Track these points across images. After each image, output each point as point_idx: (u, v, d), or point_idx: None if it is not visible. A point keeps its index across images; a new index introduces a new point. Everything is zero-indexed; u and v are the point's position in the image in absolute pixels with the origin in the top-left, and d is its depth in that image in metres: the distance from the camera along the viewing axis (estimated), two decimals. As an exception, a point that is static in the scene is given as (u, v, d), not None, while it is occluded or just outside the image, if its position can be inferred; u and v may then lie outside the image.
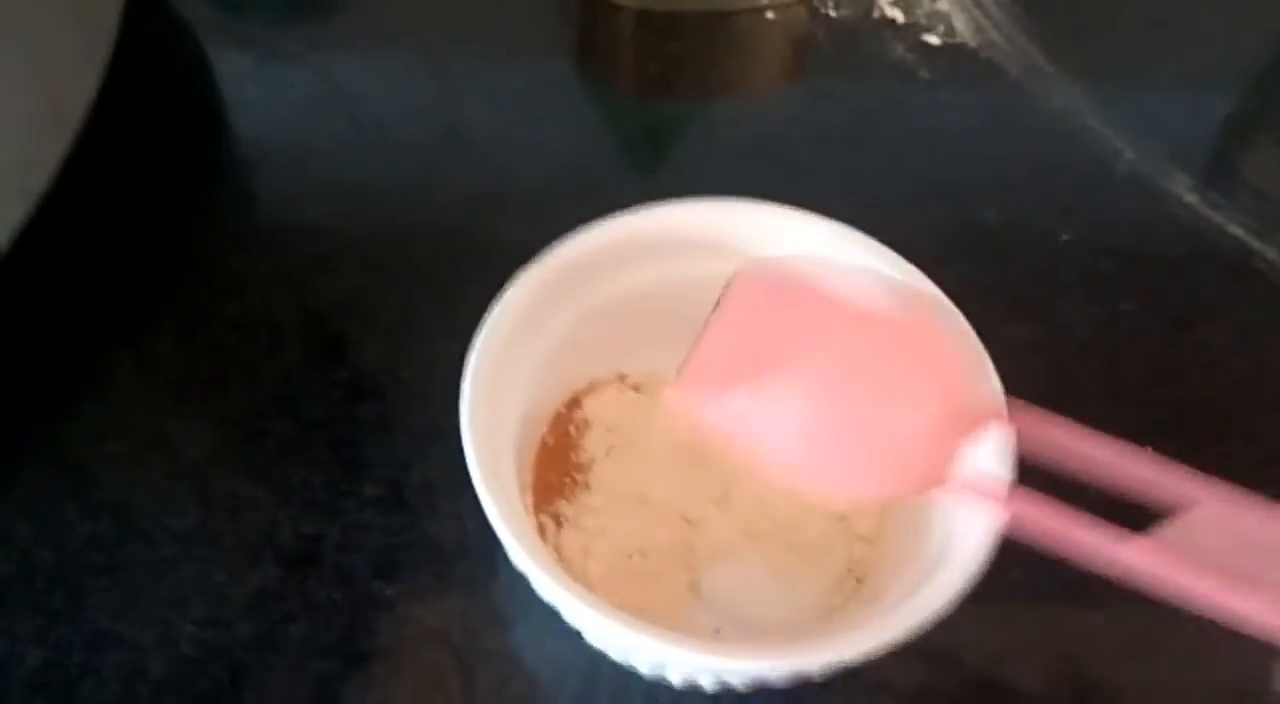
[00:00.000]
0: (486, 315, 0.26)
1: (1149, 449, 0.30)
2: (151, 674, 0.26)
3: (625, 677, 0.26)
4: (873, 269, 0.27)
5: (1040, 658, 0.28)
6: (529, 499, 0.28)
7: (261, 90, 0.38)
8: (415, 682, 0.27)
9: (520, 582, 0.24)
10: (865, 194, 0.36)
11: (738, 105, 0.39)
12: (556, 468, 0.28)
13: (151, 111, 0.37)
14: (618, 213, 0.27)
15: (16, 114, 0.28)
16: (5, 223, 0.28)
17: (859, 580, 0.27)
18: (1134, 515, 0.22)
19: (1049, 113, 0.38)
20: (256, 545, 0.28)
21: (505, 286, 0.26)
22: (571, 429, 0.29)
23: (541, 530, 0.27)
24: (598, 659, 0.25)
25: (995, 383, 0.25)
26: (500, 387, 0.26)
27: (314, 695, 0.26)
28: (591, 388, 0.30)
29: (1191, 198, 0.36)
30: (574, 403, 0.29)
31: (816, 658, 0.22)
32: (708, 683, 0.25)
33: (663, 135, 0.39)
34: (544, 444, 0.29)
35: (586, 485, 0.28)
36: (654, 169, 0.38)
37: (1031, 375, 0.31)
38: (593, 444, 0.29)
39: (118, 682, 0.26)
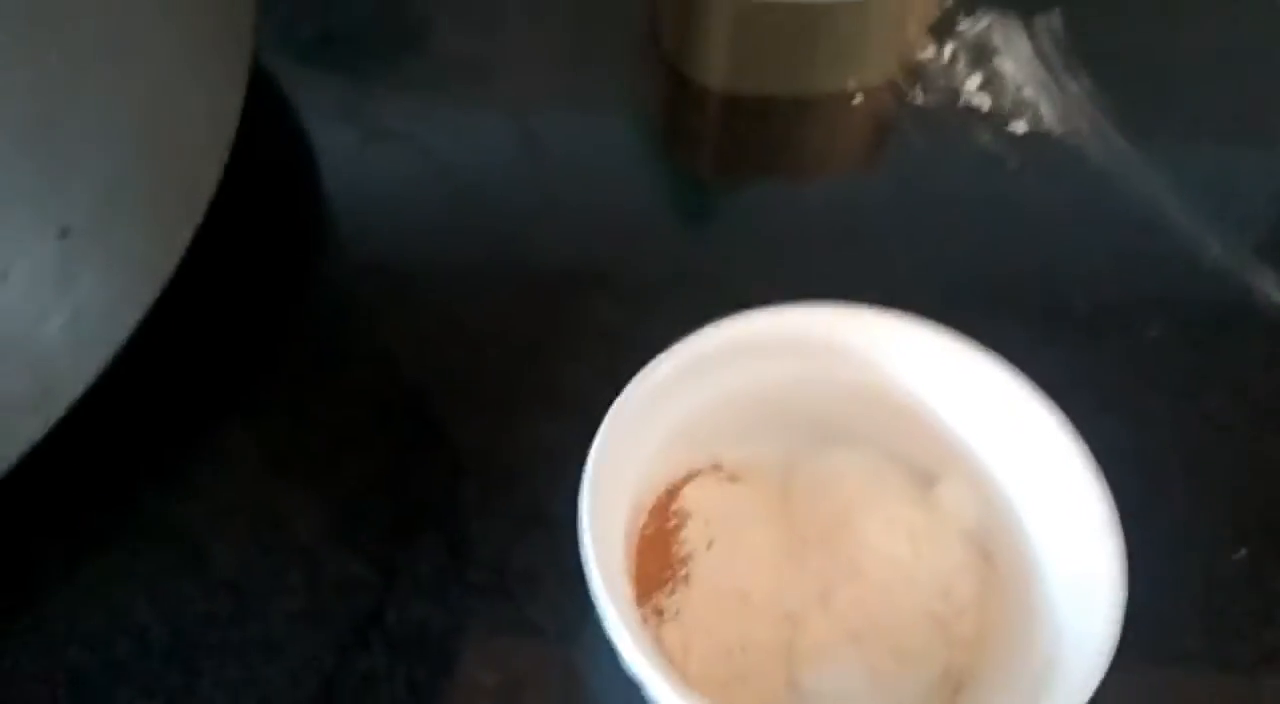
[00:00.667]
0: (614, 406, 0.26)
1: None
2: (266, 754, 0.27)
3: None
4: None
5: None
6: (631, 591, 0.28)
7: (363, 166, 0.39)
8: (520, 770, 0.27)
9: (619, 674, 0.24)
10: (951, 284, 0.36)
11: (823, 192, 0.40)
12: (658, 559, 0.29)
13: (259, 192, 0.38)
14: (737, 313, 0.28)
15: (152, 200, 0.29)
16: (140, 301, 0.29)
17: (959, 684, 0.27)
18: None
19: (1135, 202, 0.39)
20: (364, 628, 0.29)
21: (630, 380, 0.27)
22: (672, 520, 0.30)
23: (643, 622, 0.28)
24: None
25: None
26: (615, 476, 0.27)
27: (422, 782, 0.27)
28: (689, 477, 0.30)
29: (1278, 294, 0.37)
30: (673, 492, 0.30)
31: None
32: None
33: (741, 217, 0.40)
34: (644, 536, 0.29)
35: (687, 579, 0.29)
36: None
37: (1119, 471, 0.31)
38: (693, 536, 0.29)
39: (233, 761, 0.27)
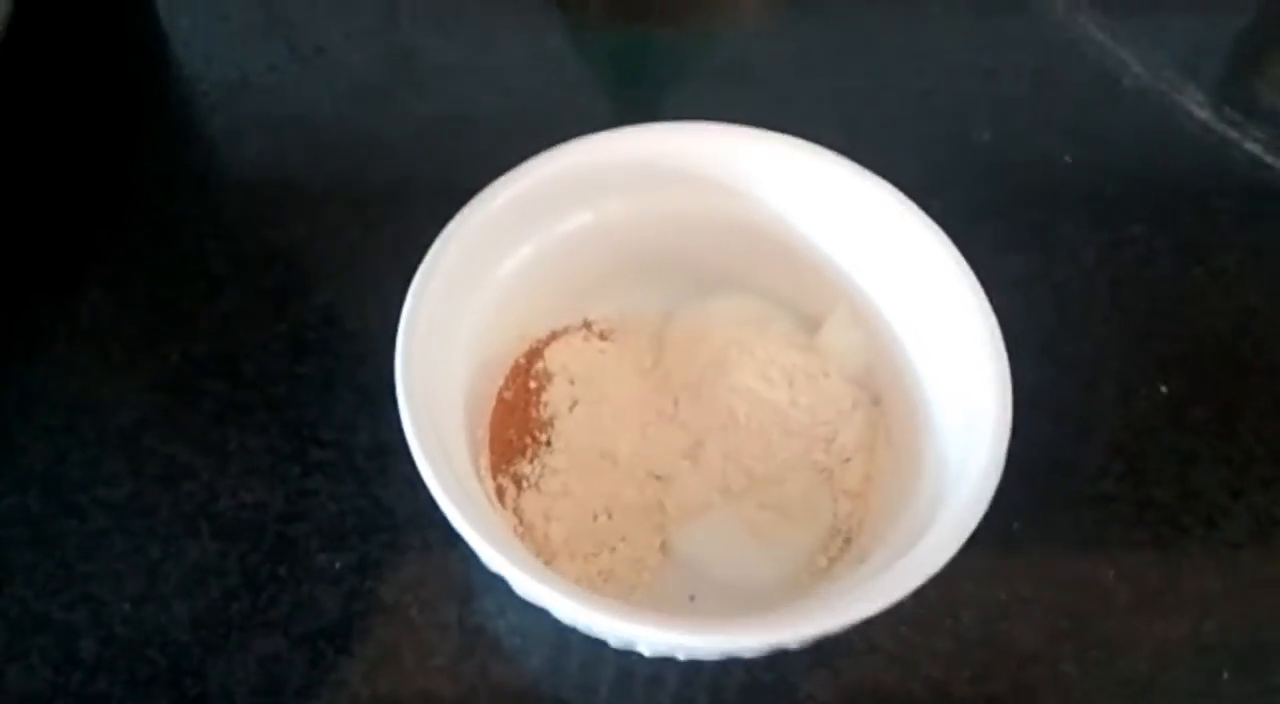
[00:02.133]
0: (425, 258, 0.23)
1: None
2: (84, 658, 0.25)
3: (596, 649, 0.24)
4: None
5: (1041, 615, 0.26)
6: (485, 460, 0.26)
7: (195, 18, 0.35)
8: (368, 660, 0.25)
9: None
10: (851, 116, 0.33)
11: (714, 27, 0.36)
12: (516, 425, 0.26)
13: (76, 38, 0.34)
14: (575, 138, 0.25)
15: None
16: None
17: (847, 540, 0.25)
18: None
19: (1049, 23, 0.35)
20: (193, 517, 0.26)
21: (452, 218, 0.24)
22: (532, 382, 0.27)
23: (500, 494, 0.25)
24: (565, 631, 0.23)
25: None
26: (444, 336, 0.24)
27: (259, 678, 0.24)
28: (553, 337, 0.27)
29: (1203, 114, 0.34)
30: (534, 353, 0.27)
31: (794, 632, 0.20)
32: (681, 655, 0.23)
33: (635, 60, 0.36)
34: (501, 399, 0.26)
35: (548, 444, 0.26)
36: (625, 96, 0.35)
37: (1032, 307, 0.29)
38: (555, 398, 0.26)
39: (47, 666, 0.24)
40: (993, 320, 0.23)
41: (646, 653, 0.23)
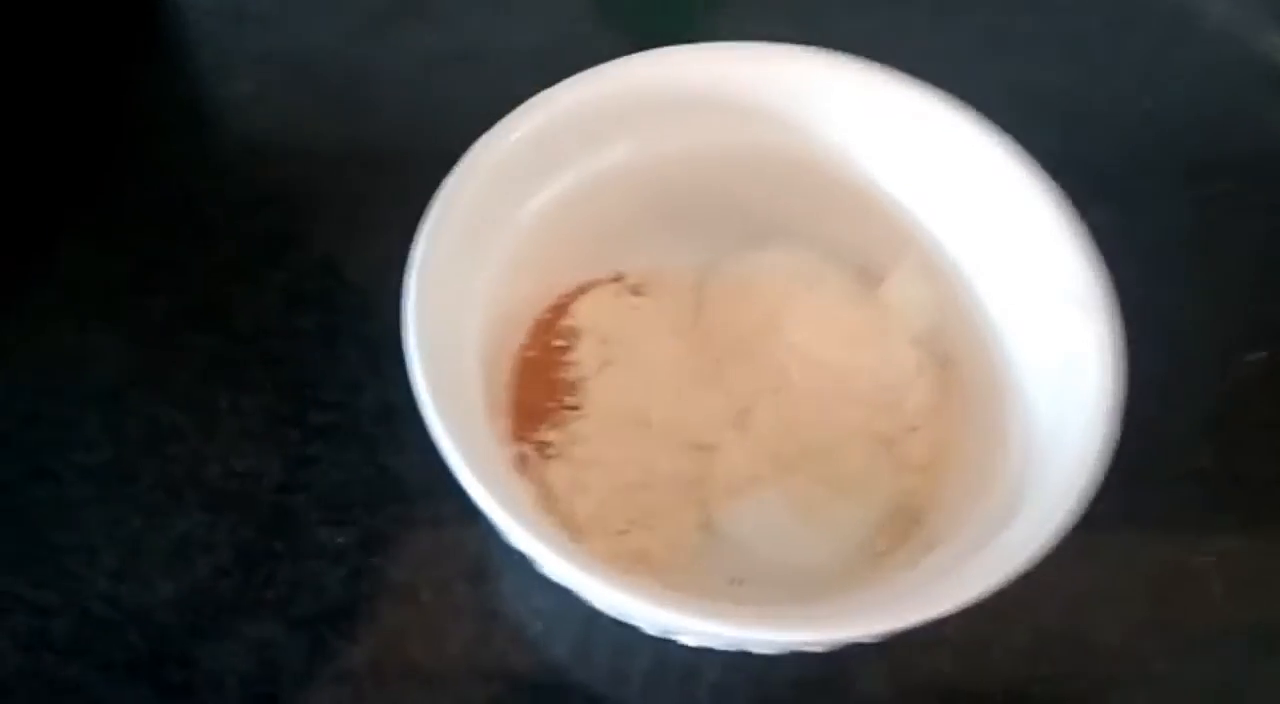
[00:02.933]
0: (435, 197, 0.20)
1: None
2: (56, 640, 0.22)
3: (628, 635, 0.21)
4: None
5: (1128, 607, 0.23)
6: (506, 425, 0.23)
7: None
8: (374, 647, 0.22)
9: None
10: (913, 48, 0.30)
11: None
12: (541, 388, 0.23)
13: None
14: (608, 62, 0.22)
15: None
16: None
17: (914, 520, 0.22)
18: None
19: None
20: (180, 485, 0.24)
21: (468, 149, 0.21)
22: (558, 340, 0.24)
23: (522, 462, 0.23)
24: (594, 616, 0.21)
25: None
26: (459, 286, 0.21)
27: (252, 665, 0.22)
28: (581, 291, 0.25)
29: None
30: (560, 309, 0.24)
31: (854, 630, 0.17)
32: (725, 645, 0.20)
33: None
34: (524, 359, 0.24)
35: (577, 408, 0.23)
36: (651, 22, 0.32)
37: (1114, 266, 0.26)
38: (584, 358, 0.24)
39: (17, 650, 0.22)
40: (1100, 273, 0.20)
41: (690, 642, 0.20)
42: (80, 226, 0.27)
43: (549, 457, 0.23)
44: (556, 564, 0.18)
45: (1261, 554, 0.24)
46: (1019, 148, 0.21)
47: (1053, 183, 0.21)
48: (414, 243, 0.20)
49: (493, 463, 0.19)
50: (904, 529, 0.22)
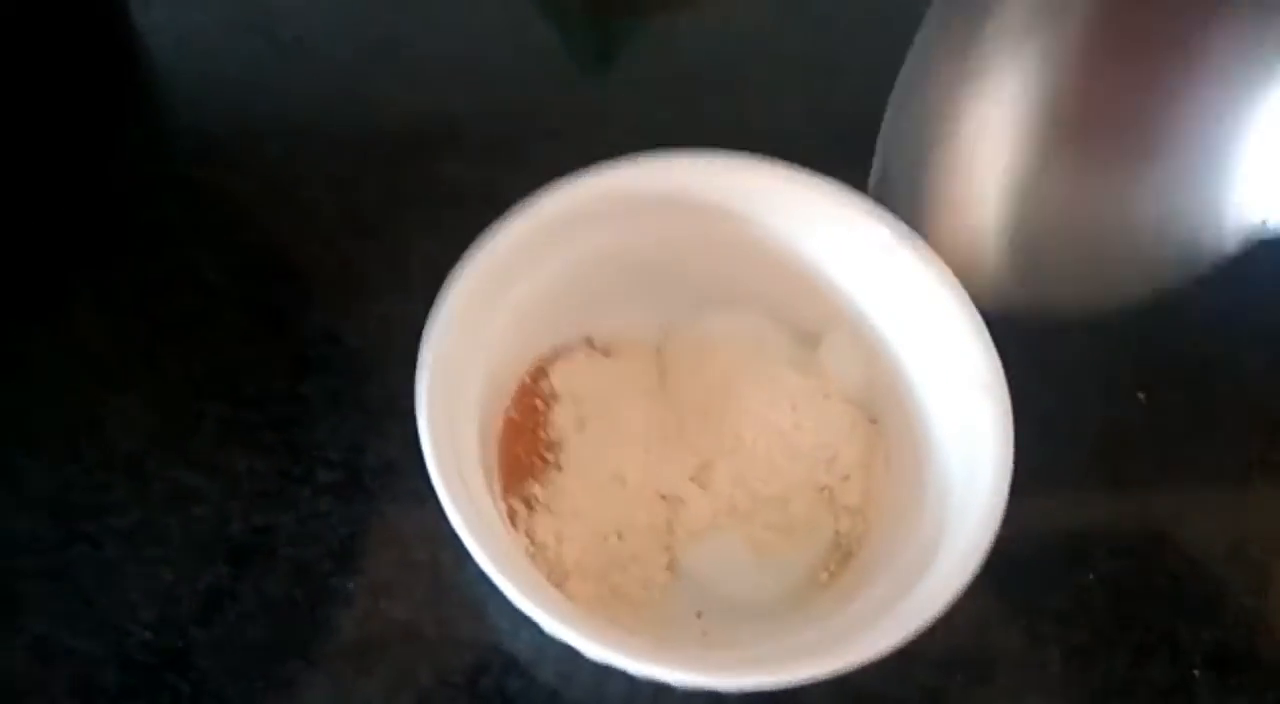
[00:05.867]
0: (448, 282, 0.23)
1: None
2: (105, 686, 0.25)
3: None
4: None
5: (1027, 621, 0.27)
6: (496, 483, 0.26)
7: (171, 11, 0.34)
8: (388, 680, 0.25)
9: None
10: (837, 124, 0.33)
11: (698, 18, 0.36)
12: (524, 445, 0.27)
13: (48, 38, 0.33)
14: (590, 168, 0.25)
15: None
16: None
17: (847, 553, 0.26)
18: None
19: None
20: (205, 542, 0.26)
21: (469, 249, 0.24)
22: (539, 402, 0.27)
23: (512, 515, 0.26)
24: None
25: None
26: (461, 361, 0.24)
27: (280, 701, 0.25)
28: (557, 355, 0.28)
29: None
30: (539, 373, 0.27)
31: (808, 672, 0.21)
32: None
33: (614, 48, 0.35)
34: (509, 421, 0.27)
35: (558, 465, 0.26)
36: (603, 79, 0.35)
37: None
38: (563, 419, 0.27)
39: (69, 696, 0.25)
40: (992, 352, 0.24)
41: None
42: (87, 295, 0.29)
43: (535, 509, 0.26)
44: (554, 627, 0.21)
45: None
46: (914, 233, 0.25)
47: (944, 265, 0.24)
48: (424, 335, 0.23)
49: (492, 528, 0.22)
50: (841, 562, 0.26)
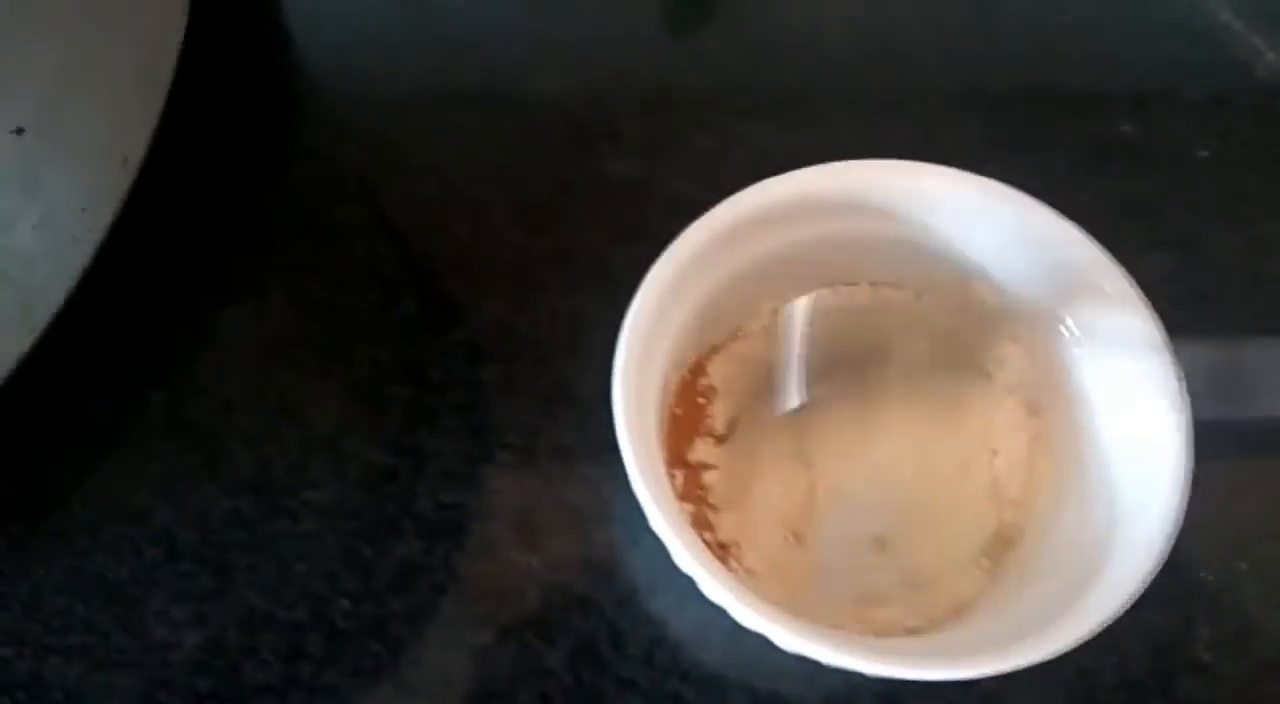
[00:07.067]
0: (644, 282, 0.24)
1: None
2: (311, 652, 0.27)
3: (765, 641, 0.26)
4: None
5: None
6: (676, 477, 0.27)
7: (337, 19, 0.36)
8: (569, 650, 0.27)
9: (661, 548, 0.23)
10: (989, 110, 0.34)
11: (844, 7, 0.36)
12: (687, 439, 0.28)
13: (227, 63, 0.35)
14: (778, 174, 0.26)
15: (112, 81, 0.26)
16: (113, 193, 0.27)
17: (1008, 544, 0.27)
18: None
19: (1180, 8, 0.35)
20: (397, 517, 0.28)
21: (663, 251, 0.25)
22: (699, 398, 0.28)
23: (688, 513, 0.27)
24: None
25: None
26: (646, 354, 0.25)
27: (471, 667, 0.27)
28: (713, 351, 0.29)
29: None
30: (698, 369, 0.29)
31: (987, 668, 0.22)
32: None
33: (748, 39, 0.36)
34: (673, 415, 0.28)
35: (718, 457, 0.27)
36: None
37: (1175, 304, 0.29)
38: (720, 413, 0.28)
39: (278, 661, 0.27)
40: (1169, 353, 0.24)
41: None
42: (281, 292, 0.31)
43: (703, 505, 0.27)
44: (713, 589, 0.22)
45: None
46: (1085, 232, 0.25)
47: (1119, 265, 0.25)
48: (624, 326, 0.24)
49: (681, 527, 0.24)
50: (1001, 552, 0.27)
